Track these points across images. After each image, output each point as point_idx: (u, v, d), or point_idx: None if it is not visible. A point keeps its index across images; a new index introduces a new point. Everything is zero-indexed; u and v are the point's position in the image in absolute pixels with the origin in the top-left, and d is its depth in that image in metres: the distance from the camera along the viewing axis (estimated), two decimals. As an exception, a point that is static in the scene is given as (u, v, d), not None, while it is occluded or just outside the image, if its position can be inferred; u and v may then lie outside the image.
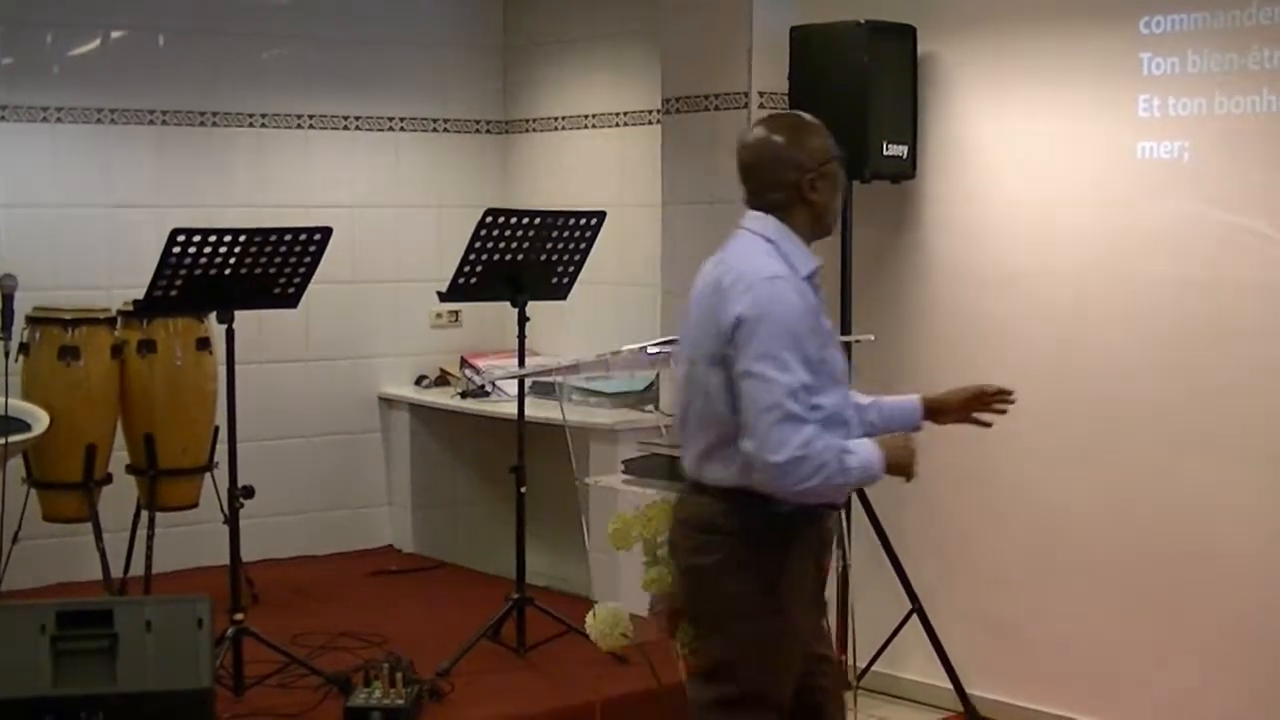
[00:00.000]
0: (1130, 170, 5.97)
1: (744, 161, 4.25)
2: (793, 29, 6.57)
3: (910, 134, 6.51)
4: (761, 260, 4.09)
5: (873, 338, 6.12)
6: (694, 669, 4.33)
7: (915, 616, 6.42)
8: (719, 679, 4.23)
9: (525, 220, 6.41)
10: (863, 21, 6.35)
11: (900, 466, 4.14)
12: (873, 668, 6.50)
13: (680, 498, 4.36)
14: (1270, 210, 5.64)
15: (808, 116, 4.31)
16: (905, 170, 6.52)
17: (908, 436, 4.29)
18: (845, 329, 6.50)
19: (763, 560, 4.13)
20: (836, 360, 4.22)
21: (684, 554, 4.28)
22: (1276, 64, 5.61)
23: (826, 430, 3.99)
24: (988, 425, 4.55)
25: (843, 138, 6.28)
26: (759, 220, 4.20)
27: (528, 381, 6.86)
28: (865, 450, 4.06)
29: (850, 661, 6.27)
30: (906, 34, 6.51)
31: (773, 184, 4.19)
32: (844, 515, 6.10)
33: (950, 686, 6.45)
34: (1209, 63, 5.78)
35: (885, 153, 6.41)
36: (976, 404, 4.55)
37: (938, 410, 4.59)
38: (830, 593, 6.31)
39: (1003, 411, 4.51)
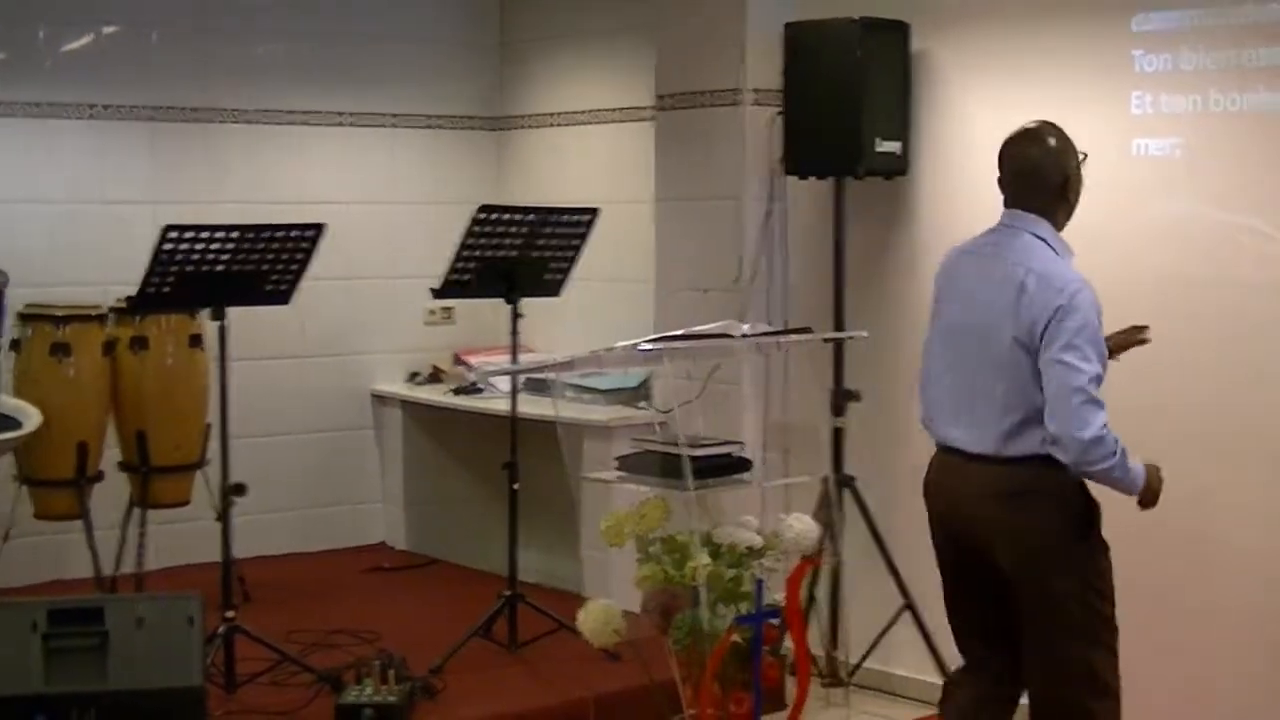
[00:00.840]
0: (1124, 167, 5.96)
1: (1019, 168, 4.77)
2: (787, 25, 6.57)
3: (903, 130, 6.52)
4: (1060, 265, 4.64)
5: (865, 334, 6.11)
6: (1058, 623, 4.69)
7: (907, 612, 6.43)
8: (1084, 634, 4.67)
9: (519, 217, 6.42)
10: (856, 18, 6.36)
11: (1154, 492, 4.67)
12: (865, 664, 6.51)
13: (976, 472, 4.72)
14: (1264, 207, 5.65)
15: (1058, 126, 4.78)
16: (898, 166, 6.53)
17: (1159, 468, 4.68)
18: (838, 325, 6.51)
19: (1079, 511, 4.67)
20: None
21: (1003, 516, 4.66)
22: (1269, 61, 5.62)
23: None
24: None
25: (836, 134, 6.42)
26: (1033, 222, 4.71)
27: (521, 378, 6.85)
28: (1138, 461, 4.59)
29: (842, 657, 6.28)
30: (900, 30, 6.51)
31: (1043, 188, 4.72)
32: (837, 510, 6.10)
33: (942, 682, 6.45)
34: (1202, 60, 5.78)
35: (878, 149, 6.41)
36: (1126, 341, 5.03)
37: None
38: (822, 589, 6.36)
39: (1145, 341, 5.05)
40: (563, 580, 7.36)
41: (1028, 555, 4.66)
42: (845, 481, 6.44)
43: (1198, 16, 5.78)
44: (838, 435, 6.53)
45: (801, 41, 6.52)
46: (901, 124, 6.51)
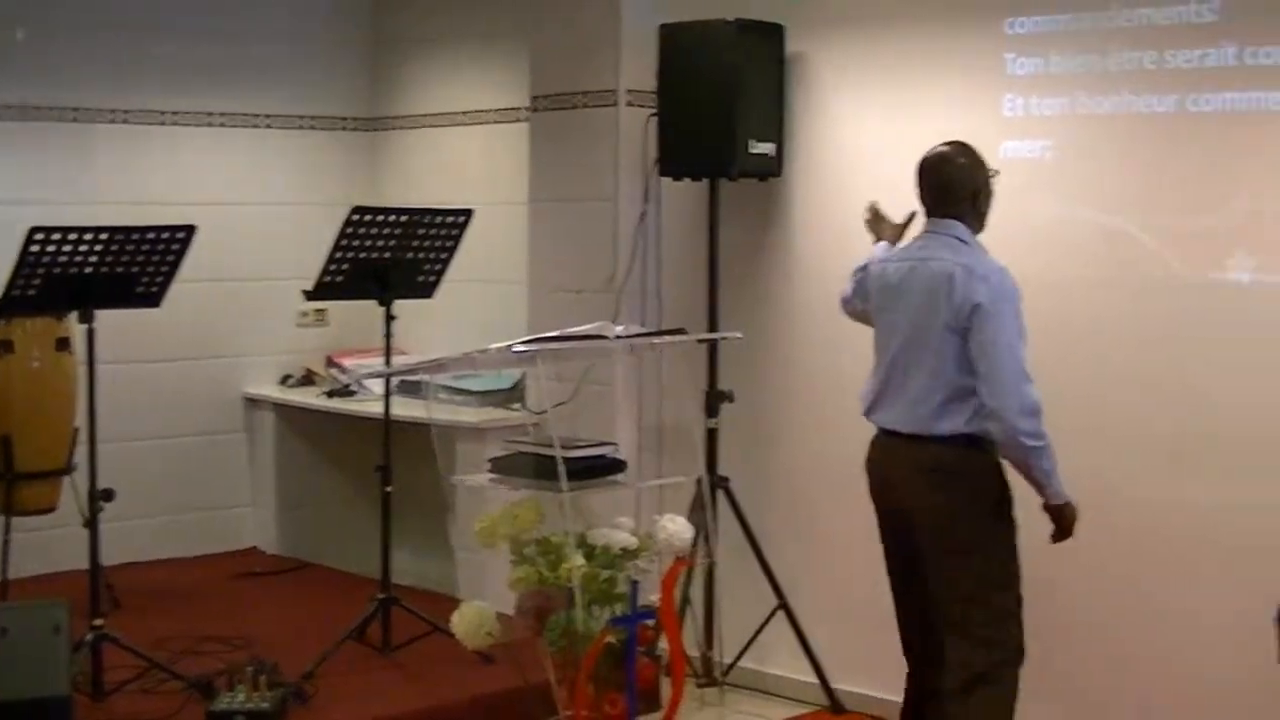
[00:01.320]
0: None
1: (933, 183, 5.28)
2: (661, 26, 6.57)
3: (777, 132, 6.54)
4: (982, 257, 5.14)
5: (739, 335, 6.13)
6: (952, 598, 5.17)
7: (781, 612, 6.46)
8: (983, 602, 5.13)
9: (392, 218, 6.39)
10: (731, 20, 6.37)
11: (1071, 519, 5.12)
12: (739, 663, 6.54)
13: (905, 450, 5.21)
14: (1130, 208, 5.72)
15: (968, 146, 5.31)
16: (772, 168, 6.55)
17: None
18: (712, 326, 6.52)
19: (995, 491, 5.14)
20: None
21: (924, 492, 5.16)
22: (1136, 65, 5.69)
23: None
24: None
25: (710, 135, 6.42)
26: (953, 226, 5.21)
27: (394, 380, 6.82)
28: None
29: (717, 657, 6.29)
30: (775, 33, 6.53)
31: (956, 199, 5.23)
32: (710, 511, 6.11)
33: (816, 681, 6.50)
34: (1071, 63, 5.85)
35: (752, 150, 6.43)
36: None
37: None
38: (696, 589, 6.37)
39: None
40: (437, 583, 7.33)
41: (942, 529, 5.13)
42: (719, 482, 6.46)
43: (1067, 20, 5.85)
44: (711, 436, 6.54)
45: (676, 43, 6.52)
46: (776, 126, 6.54)
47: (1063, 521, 5.10)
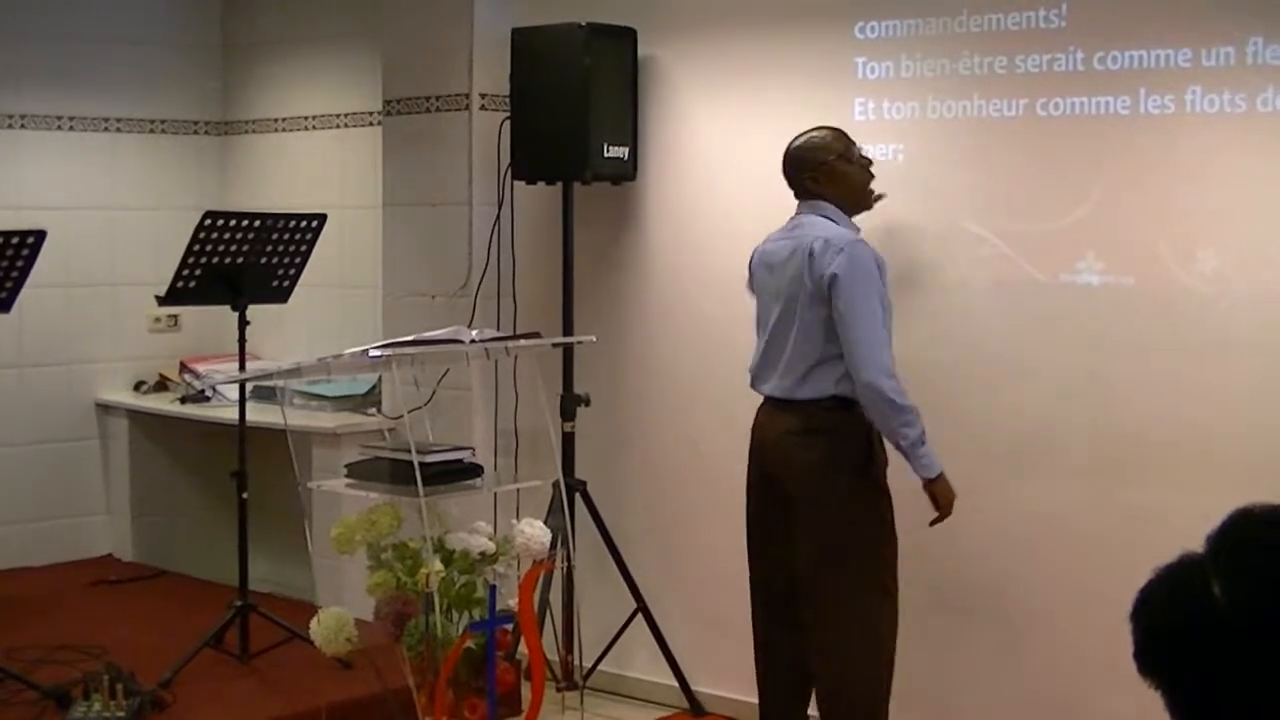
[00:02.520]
0: (846, 172, 6.09)
1: (785, 168, 5.58)
2: (514, 30, 6.57)
3: (631, 136, 6.56)
4: (842, 229, 5.39)
5: (594, 339, 6.14)
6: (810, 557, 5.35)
7: (640, 615, 6.49)
8: (839, 562, 5.30)
9: (245, 223, 6.35)
10: (583, 24, 6.38)
11: (949, 497, 5.32)
12: (599, 667, 6.55)
13: (780, 416, 5.42)
14: (980, 210, 5.80)
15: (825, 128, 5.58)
16: (626, 172, 6.57)
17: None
18: (567, 330, 6.54)
19: (859, 448, 5.33)
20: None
21: (793, 452, 5.37)
22: (985, 70, 5.77)
23: None
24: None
25: (563, 139, 6.44)
26: (815, 205, 5.47)
27: (249, 386, 6.78)
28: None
29: (576, 661, 6.31)
30: (627, 36, 6.55)
31: (805, 178, 5.51)
32: (568, 514, 6.13)
33: (675, 683, 6.53)
34: (921, 67, 5.92)
35: (606, 154, 6.44)
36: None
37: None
38: (555, 593, 6.39)
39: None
40: (295, 589, 7.29)
41: (808, 485, 5.34)
42: (576, 486, 6.47)
43: (917, 25, 5.91)
44: (568, 440, 6.56)
45: (528, 46, 6.52)
46: (629, 130, 6.56)
47: (939, 499, 5.28)
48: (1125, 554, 5.29)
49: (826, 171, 5.46)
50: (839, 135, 5.54)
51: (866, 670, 5.34)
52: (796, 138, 5.57)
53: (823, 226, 5.38)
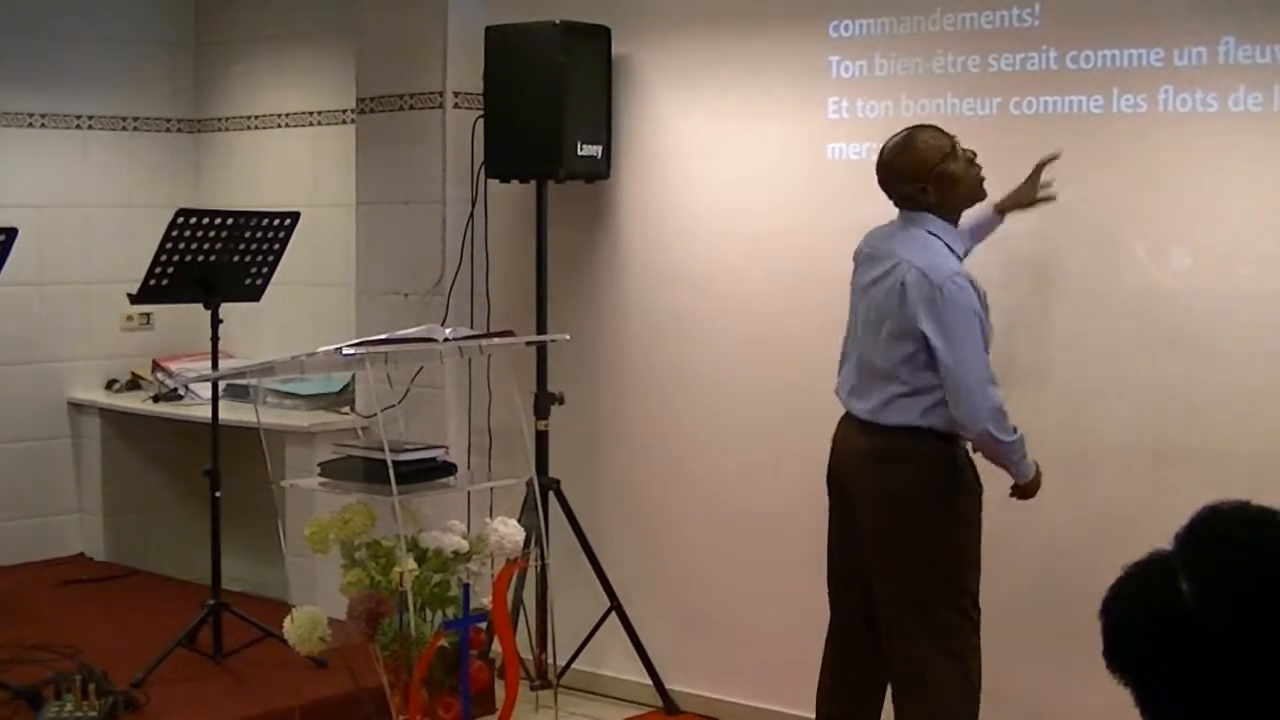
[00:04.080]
0: (820, 171, 6.09)
1: (881, 179, 5.16)
2: (488, 28, 6.56)
3: (605, 134, 6.56)
4: (942, 258, 4.97)
5: (568, 337, 6.14)
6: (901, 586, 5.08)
7: (614, 613, 6.49)
8: (921, 597, 5.04)
9: (218, 221, 6.34)
10: (558, 22, 6.37)
11: (1037, 484, 5.10)
12: (573, 665, 6.55)
13: (852, 432, 5.15)
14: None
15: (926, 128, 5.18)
16: (600, 170, 6.57)
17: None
18: (541, 328, 6.53)
19: (943, 479, 5.03)
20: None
21: (873, 479, 5.07)
22: (959, 68, 5.78)
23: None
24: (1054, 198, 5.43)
25: (537, 138, 6.43)
26: (922, 219, 5.07)
27: (222, 384, 6.76)
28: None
29: (550, 660, 6.31)
30: (601, 35, 6.54)
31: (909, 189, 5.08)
32: (541, 513, 6.13)
33: (649, 682, 6.53)
34: (895, 66, 5.93)
35: (580, 153, 6.44)
36: (1037, 176, 5.40)
37: (1010, 206, 5.44)
38: (529, 592, 6.39)
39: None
40: (268, 588, 7.28)
41: (888, 517, 5.04)
42: (550, 484, 6.47)
43: (891, 24, 5.92)
44: (542, 438, 6.56)
45: (502, 45, 6.52)
46: (603, 128, 6.55)
47: (1026, 493, 5.11)
48: (1094, 553, 5.30)
49: (939, 178, 5.03)
50: (940, 131, 5.12)
51: (953, 706, 5.09)
52: (895, 145, 5.12)
53: (922, 250, 4.96)
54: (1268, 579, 2.04)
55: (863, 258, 5.20)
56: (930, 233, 5.01)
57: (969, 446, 5.04)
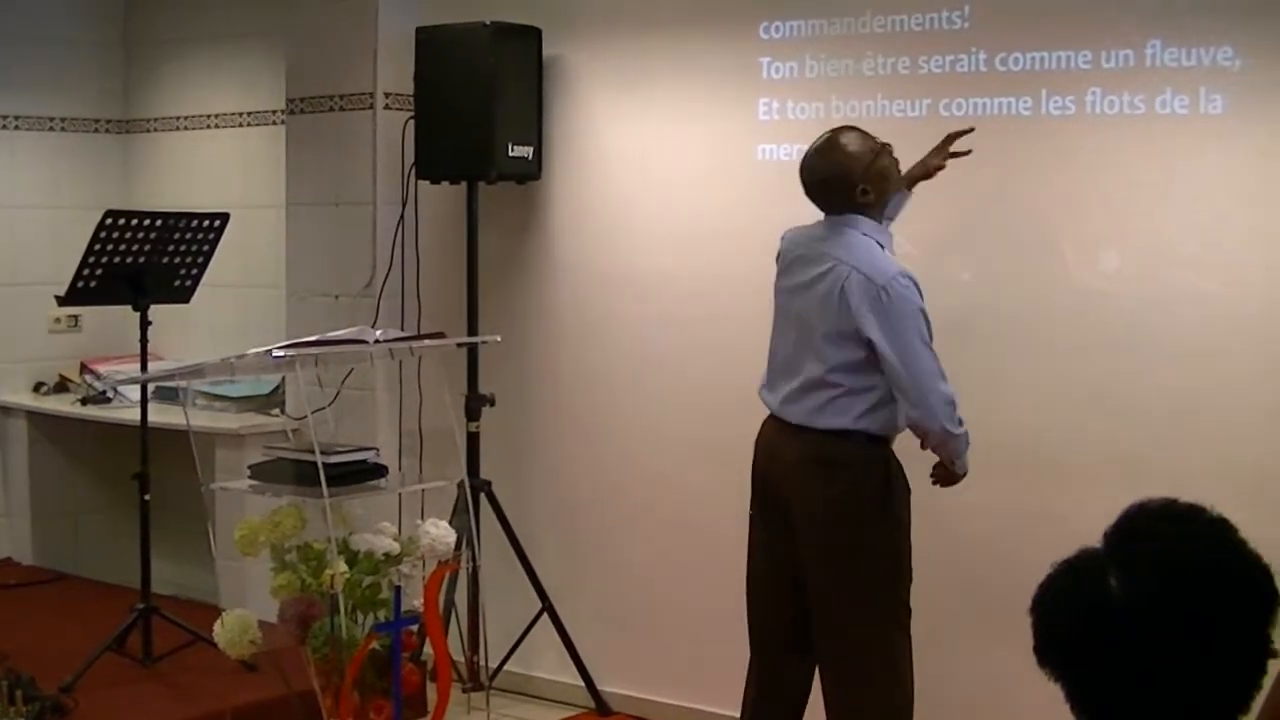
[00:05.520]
0: (751, 172, 6.11)
1: (807, 181, 5.07)
2: (418, 29, 6.55)
3: (535, 135, 6.55)
4: (881, 258, 4.91)
5: (499, 339, 6.14)
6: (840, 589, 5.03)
7: (546, 615, 6.49)
8: (856, 600, 4.99)
9: (147, 222, 6.30)
10: (488, 23, 6.37)
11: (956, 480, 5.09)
12: (505, 667, 6.54)
13: (782, 436, 5.07)
14: (883, 211, 5.82)
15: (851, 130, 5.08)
16: (531, 172, 6.56)
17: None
18: (472, 329, 6.53)
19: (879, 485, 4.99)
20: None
21: (809, 484, 4.99)
22: (889, 70, 5.80)
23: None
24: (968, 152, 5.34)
25: (467, 139, 6.42)
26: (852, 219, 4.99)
27: (151, 386, 6.72)
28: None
29: (482, 662, 6.30)
30: (532, 36, 6.54)
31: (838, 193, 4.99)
32: (473, 515, 6.12)
33: (582, 683, 6.53)
34: (825, 68, 5.95)
35: (510, 154, 6.43)
36: (945, 147, 5.35)
37: (920, 177, 5.35)
38: (460, 594, 6.38)
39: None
40: (198, 591, 7.23)
41: (825, 521, 4.97)
42: (481, 486, 6.46)
43: (822, 26, 5.94)
44: (473, 440, 6.54)
45: (433, 45, 6.51)
46: (534, 129, 6.55)
47: (953, 480, 5.07)
48: (1025, 552, 5.32)
49: (876, 176, 4.97)
50: (859, 130, 5.04)
51: (889, 710, 5.05)
52: (822, 151, 5.03)
53: (862, 252, 4.89)
54: (1193, 576, 2.06)
55: (790, 259, 5.12)
56: (864, 234, 4.94)
57: (919, 443, 5.00)
